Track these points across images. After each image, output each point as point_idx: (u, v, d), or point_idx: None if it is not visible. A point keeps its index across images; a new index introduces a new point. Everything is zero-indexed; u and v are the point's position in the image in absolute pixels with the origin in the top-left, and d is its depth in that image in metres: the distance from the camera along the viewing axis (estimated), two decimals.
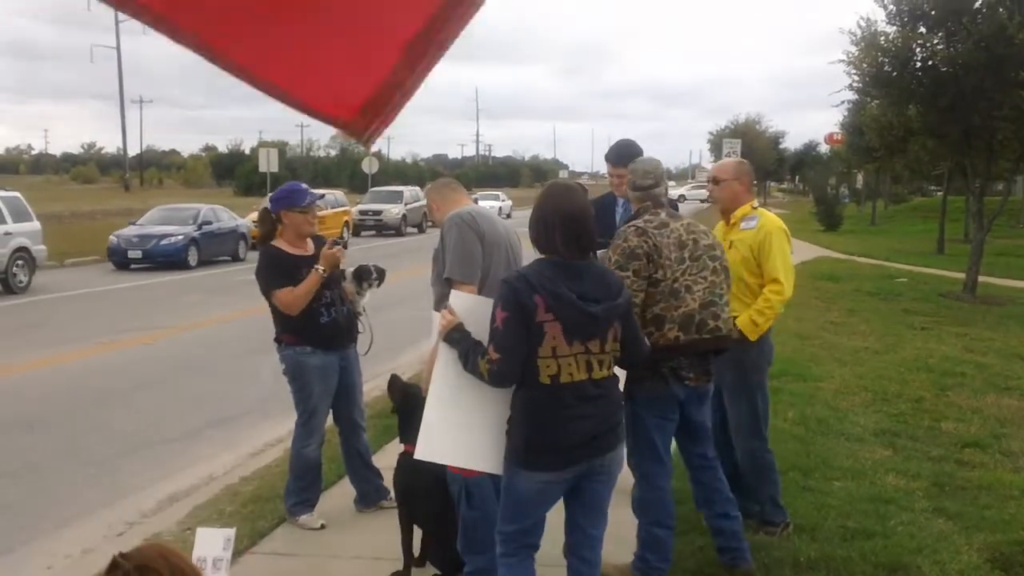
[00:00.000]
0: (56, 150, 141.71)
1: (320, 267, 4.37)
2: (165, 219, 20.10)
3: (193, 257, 19.10)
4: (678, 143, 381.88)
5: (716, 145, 58.29)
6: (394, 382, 4.19)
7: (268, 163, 30.66)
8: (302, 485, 4.61)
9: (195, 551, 2.73)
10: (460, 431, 3.05)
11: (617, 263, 3.49)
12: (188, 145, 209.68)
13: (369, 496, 4.82)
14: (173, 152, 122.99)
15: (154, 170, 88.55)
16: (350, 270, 4.71)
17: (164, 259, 18.54)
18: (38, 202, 24.49)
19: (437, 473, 3.53)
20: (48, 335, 10.97)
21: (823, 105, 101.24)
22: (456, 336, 2.96)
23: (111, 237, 19.23)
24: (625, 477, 3.75)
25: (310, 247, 4.52)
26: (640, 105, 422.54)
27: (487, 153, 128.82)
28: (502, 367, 2.80)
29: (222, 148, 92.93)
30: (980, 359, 8.79)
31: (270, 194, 4.76)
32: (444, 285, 3.43)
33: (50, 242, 16.62)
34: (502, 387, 2.88)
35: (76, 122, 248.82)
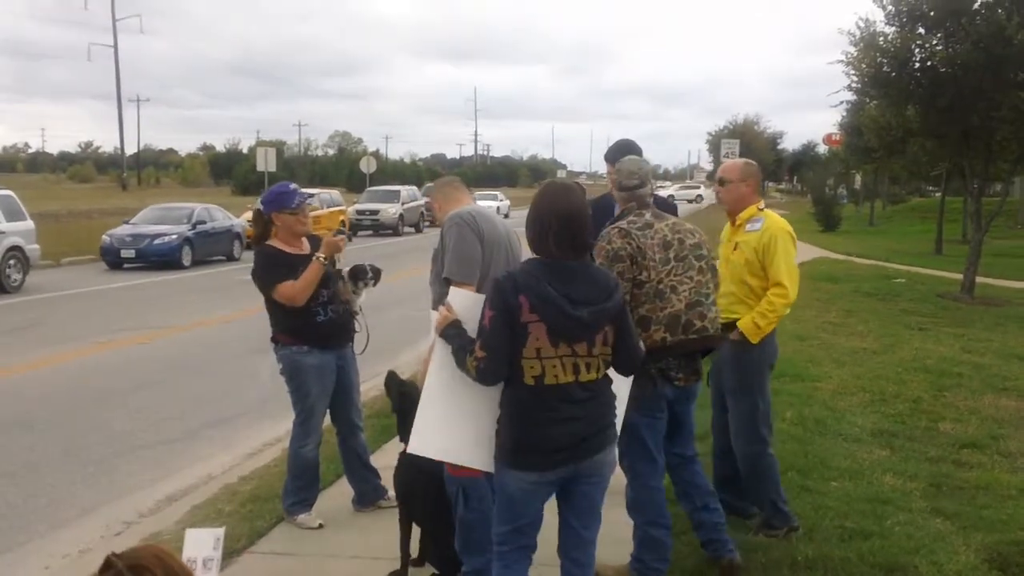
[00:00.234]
0: (53, 149, 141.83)
1: (321, 255, 4.37)
2: (159, 218, 20.04)
3: (187, 257, 19.05)
4: (677, 144, 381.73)
5: (715, 145, 58.40)
6: (391, 380, 4.18)
7: (266, 162, 30.68)
8: (300, 485, 4.61)
9: (184, 552, 2.72)
10: (453, 427, 3.05)
11: (601, 265, 3.49)
12: (186, 144, 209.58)
13: (367, 496, 4.81)
14: (171, 151, 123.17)
15: (151, 169, 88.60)
16: (346, 269, 4.71)
17: (158, 259, 18.48)
18: (35, 201, 24.46)
19: (436, 473, 3.53)
20: (44, 335, 10.95)
21: (822, 105, 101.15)
22: (451, 332, 2.95)
23: (103, 236, 19.16)
24: (620, 478, 3.75)
25: (306, 246, 4.52)
26: (639, 105, 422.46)
27: (485, 153, 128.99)
28: (487, 365, 2.79)
29: (220, 147, 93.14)
30: (978, 360, 8.80)
31: (261, 196, 4.75)
32: (443, 285, 3.43)
33: (47, 241, 16.60)
34: (489, 385, 2.87)
35: (73, 121, 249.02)
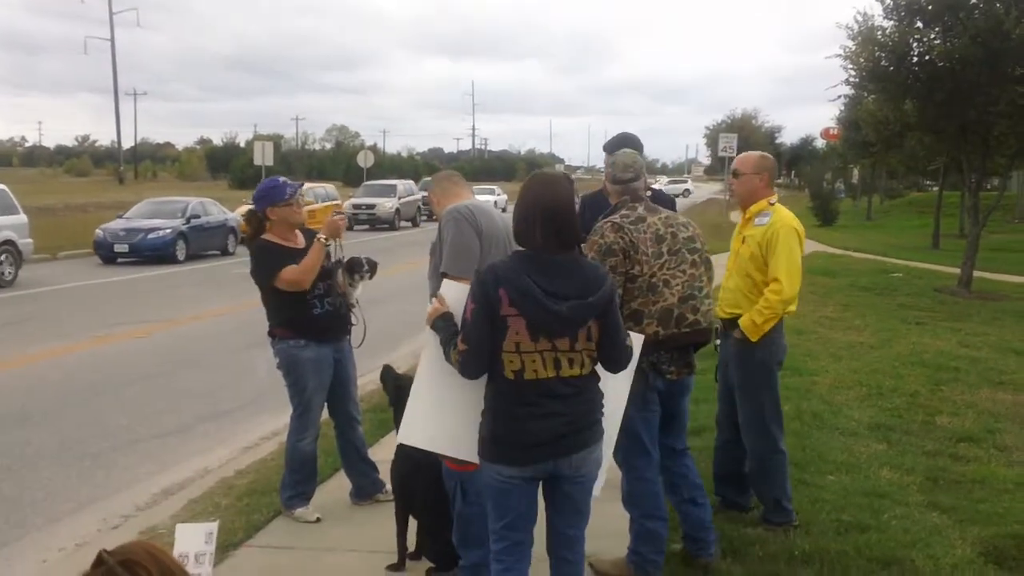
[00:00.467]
0: (50, 142, 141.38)
1: (323, 236, 4.36)
2: (153, 212, 19.97)
3: (181, 251, 18.99)
4: (675, 138, 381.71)
5: (712, 140, 58.39)
6: (387, 373, 4.16)
7: (263, 156, 30.57)
8: (298, 478, 4.61)
9: (176, 548, 2.70)
10: (442, 418, 3.05)
11: (592, 260, 3.48)
12: (183, 138, 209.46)
13: (365, 489, 4.81)
14: (168, 145, 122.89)
15: (148, 163, 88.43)
16: (342, 262, 4.69)
17: (152, 253, 18.42)
18: (31, 195, 24.39)
19: (434, 467, 3.53)
20: (38, 329, 10.93)
21: (819, 100, 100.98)
22: (441, 324, 2.93)
23: (97, 231, 19.07)
24: (616, 470, 3.75)
25: (301, 240, 4.51)
26: (637, 100, 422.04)
27: (483, 147, 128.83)
28: (468, 358, 2.77)
29: (217, 141, 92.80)
30: (975, 354, 8.81)
31: (252, 195, 4.72)
32: (440, 279, 3.42)
33: (43, 235, 16.55)
34: (471, 378, 2.84)
35: (70, 115, 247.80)
